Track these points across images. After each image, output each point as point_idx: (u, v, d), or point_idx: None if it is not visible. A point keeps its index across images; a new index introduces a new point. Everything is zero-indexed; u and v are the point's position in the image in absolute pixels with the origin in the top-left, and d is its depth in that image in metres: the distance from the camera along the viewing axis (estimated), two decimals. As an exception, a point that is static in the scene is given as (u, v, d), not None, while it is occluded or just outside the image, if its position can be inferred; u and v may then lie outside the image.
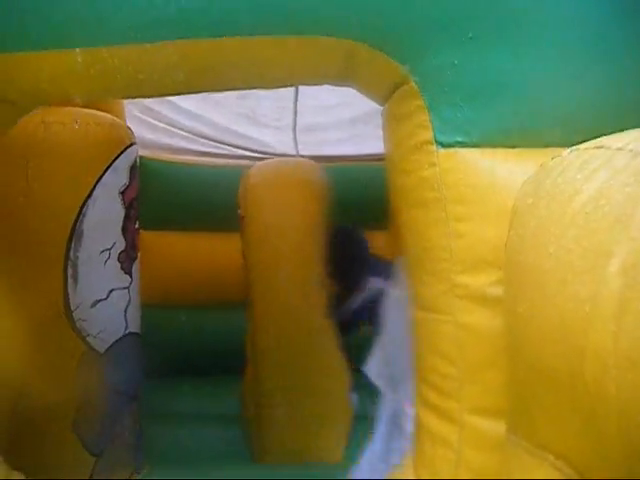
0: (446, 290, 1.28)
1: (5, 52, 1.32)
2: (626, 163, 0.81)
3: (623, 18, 1.23)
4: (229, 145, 3.98)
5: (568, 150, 0.95)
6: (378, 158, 3.71)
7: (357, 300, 3.19)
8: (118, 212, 2.49)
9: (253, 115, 3.89)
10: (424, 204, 1.32)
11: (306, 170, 3.07)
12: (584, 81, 1.23)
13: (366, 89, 1.56)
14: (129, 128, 2.63)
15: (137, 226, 2.62)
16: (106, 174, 2.41)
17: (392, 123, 1.44)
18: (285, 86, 1.82)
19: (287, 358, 2.85)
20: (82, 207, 2.36)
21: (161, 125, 3.89)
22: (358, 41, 1.31)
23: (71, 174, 2.36)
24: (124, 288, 2.54)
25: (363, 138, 3.93)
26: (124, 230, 2.51)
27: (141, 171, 2.67)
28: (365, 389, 3.03)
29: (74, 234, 2.36)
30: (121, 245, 2.50)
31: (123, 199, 2.49)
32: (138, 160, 2.62)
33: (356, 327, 3.20)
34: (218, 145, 3.98)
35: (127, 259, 2.54)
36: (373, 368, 1.84)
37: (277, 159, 3.36)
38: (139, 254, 2.65)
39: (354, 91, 1.66)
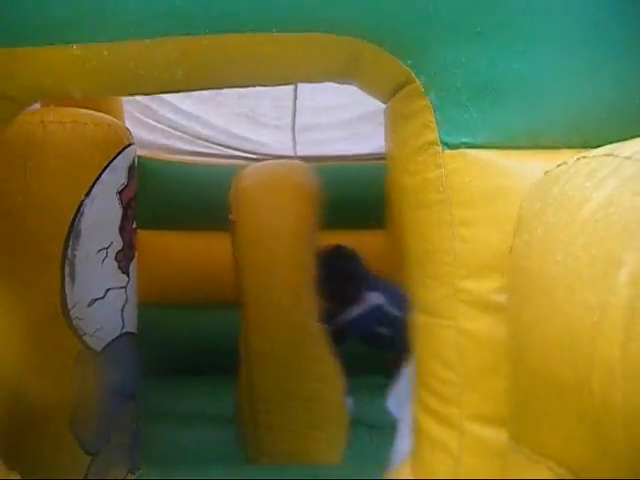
0: (449, 294, 1.27)
1: (5, 47, 1.31)
2: (635, 172, 0.81)
3: (633, 17, 1.22)
4: (227, 146, 3.98)
5: (575, 157, 0.95)
6: (377, 157, 3.75)
7: (353, 312, 3.20)
8: (116, 212, 2.49)
9: (253, 114, 3.89)
10: (428, 206, 1.30)
11: (298, 172, 3.04)
12: (592, 81, 1.21)
13: (369, 87, 1.55)
14: (127, 129, 2.62)
15: (134, 226, 2.62)
16: (104, 174, 2.41)
17: (396, 122, 1.42)
18: (286, 84, 1.81)
19: (280, 361, 2.84)
20: (80, 206, 2.36)
21: (159, 126, 3.89)
22: (360, 39, 1.29)
23: (69, 173, 2.36)
24: (121, 287, 2.53)
25: (362, 137, 3.94)
26: (121, 230, 2.51)
27: (139, 171, 2.67)
28: (361, 393, 3.08)
29: (72, 233, 2.36)
30: (118, 244, 2.50)
31: (121, 199, 2.49)
32: (136, 160, 2.62)
33: (350, 338, 3.21)
34: (216, 146, 3.98)
35: (124, 258, 2.54)
36: (393, 403, 1.82)
37: (268, 162, 3.35)
38: (136, 253, 2.65)
39: (353, 91, 1.65)
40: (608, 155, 0.88)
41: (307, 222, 2.90)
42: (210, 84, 1.75)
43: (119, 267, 2.51)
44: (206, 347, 3.69)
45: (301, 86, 3.38)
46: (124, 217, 2.51)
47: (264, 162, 3.31)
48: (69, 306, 2.36)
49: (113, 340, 2.50)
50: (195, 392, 3.51)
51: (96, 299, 2.43)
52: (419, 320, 1.39)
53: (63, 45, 1.31)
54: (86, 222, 2.37)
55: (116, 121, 2.58)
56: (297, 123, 3.89)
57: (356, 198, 3.64)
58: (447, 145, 1.26)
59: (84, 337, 2.40)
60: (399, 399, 1.67)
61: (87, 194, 2.37)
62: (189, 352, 3.70)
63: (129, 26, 1.27)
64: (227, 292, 3.47)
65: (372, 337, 3.21)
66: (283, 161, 3.48)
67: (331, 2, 1.24)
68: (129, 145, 2.54)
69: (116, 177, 2.47)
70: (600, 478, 0.80)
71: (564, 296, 0.84)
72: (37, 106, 2.40)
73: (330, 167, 3.60)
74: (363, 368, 3.11)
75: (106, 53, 1.32)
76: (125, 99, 3.39)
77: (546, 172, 1.01)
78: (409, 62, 1.29)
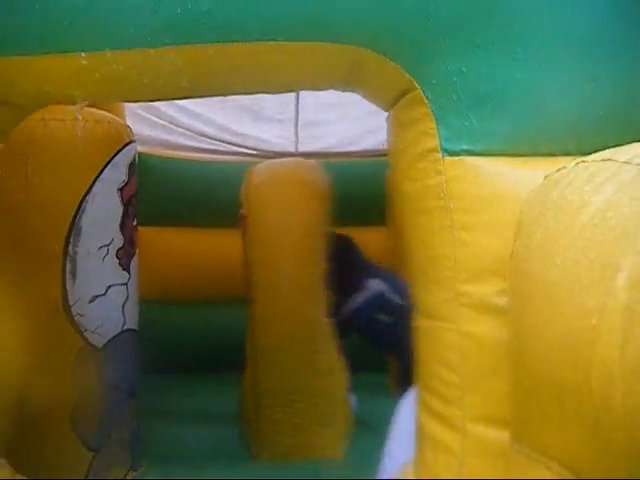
0: (450, 298, 1.28)
1: (10, 55, 1.31)
2: (633, 176, 0.82)
3: (632, 25, 1.23)
4: (228, 143, 3.98)
5: (574, 162, 0.96)
6: (378, 154, 3.76)
7: (357, 300, 3.20)
8: (116, 209, 2.50)
9: (257, 109, 3.90)
10: (429, 212, 1.31)
11: (308, 170, 3.07)
12: (591, 89, 1.22)
13: (371, 95, 1.56)
14: (128, 126, 2.63)
15: (135, 223, 2.63)
16: (105, 171, 2.42)
17: (398, 130, 1.44)
18: (289, 91, 1.82)
19: (286, 357, 2.86)
20: (81, 203, 2.37)
21: (161, 122, 3.89)
22: (364, 48, 1.30)
23: (70, 171, 2.37)
24: (122, 284, 2.55)
25: (363, 134, 3.95)
26: (122, 227, 2.52)
27: (140, 167, 2.68)
28: (364, 390, 3.09)
29: (73, 230, 2.37)
30: (119, 241, 2.51)
31: (122, 196, 2.50)
32: (137, 157, 2.62)
33: (356, 327, 3.22)
34: (217, 143, 3.99)
35: (125, 255, 2.55)
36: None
37: (280, 159, 3.36)
38: (137, 250, 2.66)
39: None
40: (607, 160, 0.88)
41: (317, 219, 2.92)
42: (214, 92, 1.76)
43: (120, 264, 2.52)
44: (207, 344, 3.70)
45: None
46: (125, 214, 2.52)
47: (276, 160, 3.33)
48: (70, 303, 2.37)
49: (114, 337, 2.52)
50: (197, 389, 3.52)
51: (97, 296, 2.45)
52: (421, 324, 1.40)
53: (69, 54, 1.31)
54: (87, 219, 2.38)
55: (117, 118, 2.59)
56: (299, 119, 3.90)
57: (358, 195, 3.65)
58: (447, 152, 1.27)
59: (85, 334, 2.41)
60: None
61: (88, 191, 2.38)
62: (190, 349, 3.71)
63: (134, 35, 1.28)
64: (228, 289, 3.49)
65: (373, 325, 3.21)
66: (294, 159, 3.49)
67: (335, 12, 1.25)
68: (130, 142, 2.55)
69: (117, 174, 2.48)
70: (600, 478, 0.82)
71: (563, 299, 0.85)
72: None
73: (331, 163, 3.61)
74: (364, 365, 3.12)
75: (111, 62, 1.32)
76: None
77: (546, 176, 1.02)
78: (411, 70, 1.30)
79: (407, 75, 1.30)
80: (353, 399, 3.01)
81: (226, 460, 2.87)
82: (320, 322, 2.91)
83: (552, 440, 0.91)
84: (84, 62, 1.30)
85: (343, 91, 1.61)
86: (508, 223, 1.10)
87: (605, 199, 0.83)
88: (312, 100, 3.83)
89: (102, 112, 2.47)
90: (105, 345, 2.49)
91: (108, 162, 2.43)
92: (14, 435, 2.10)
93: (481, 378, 1.24)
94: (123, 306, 2.56)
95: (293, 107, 3.90)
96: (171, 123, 3.91)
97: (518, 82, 1.24)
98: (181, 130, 3.94)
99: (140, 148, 2.77)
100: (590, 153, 0.95)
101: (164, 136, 3.92)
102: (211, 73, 1.44)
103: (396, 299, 3.04)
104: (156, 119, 3.86)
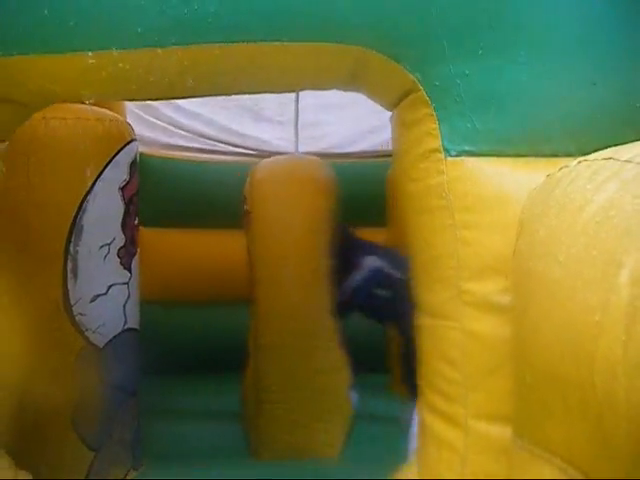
0: (453, 297, 1.29)
1: (16, 54, 1.32)
2: (635, 175, 0.83)
3: (631, 28, 1.24)
4: (228, 143, 3.99)
5: (576, 161, 0.97)
6: (378, 155, 3.77)
7: (355, 278, 3.20)
8: (118, 208, 2.49)
9: (257, 109, 3.90)
10: (431, 211, 1.33)
11: (313, 167, 3.07)
12: (592, 91, 1.24)
13: (375, 95, 1.57)
14: (129, 124, 2.63)
15: (136, 222, 2.63)
16: (106, 170, 2.42)
17: (401, 130, 1.45)
18: (293, 91, 1.83)
19: (288, 354, 2.86)
20: (82, 202, 2.37)
21: (160, 123, 3.89)
22: (368, 48, 1.32)
23: (71, 169, 2.36)
24: (123, 283, 2.54)
25: (364, 135, 3.96)
26: (124, 226, 2.52)
27: (140, 168, 2.67)
28: (365, 387, 3.10)
29: (74, 229, 2.36)
30: (121, 241, 2.51)
31: (123, 195, 2.50)
32: (138, 156, 2.63)
33: (356, 306, 3.21)
34: (217, 143, 3.99)
35: (126, 255, 2.55)
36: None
37: (284, 155, 3.36)
38: (138, 250, 2.66)
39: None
40: (609, 158, 0.89)
41: (321, 216, 2.92)
42: (219, 91, 1.77)
43: (121, 263, 2.52)
44: (208, 345, 3.69)
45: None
46: (126, 213, 2.52)
47: (280, 156, 3.32)
48: (71, 302, 2.37)
49: (115, 336, 2.51)
50: (197, 389, 3.51)
51: (98, 295, 2.44)
52: (424, 322, 1.42)
53: (76, 53, 1.32)
54: (88, 218, 2.38)
55: (118, 117, 2.59)
56: (299, 120, 3.90)
57: (357, 195, 3.64)
58: (449, 153, 1.29)
59: (86, 333, 2.41)
60: None
61: (89, 190, 2.38)
62: (191, 350, 3.70)
63: (141, 35, 1.29)
64: (229, 289, 3.48)
65: (372, 301, 3.21)
66: (299, 155, 3.49)
67: (339, 13, 1.27)
68: (131, 141, 2.54)
69: (118, 173, 2.47)
70: (603, 473, 0.82)
71: (566, 296, 0.86)
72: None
73: (331, 164, 3.61)
74: (365, 366, 3.12)
75: (118, 61, 1.33)
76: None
77: (548, 175, 1.03)
78: (414, 71, 1.31)
79: (410, 76, 1.32)
80: (354, 396, 3.01)
81: (227, 459, 2.87)
82: (323, 319, 2.91)
83: (555, 436, 0.92)
84: (91, 61, 1.31)
85: (347, 91, 1.62)
86: (509, 222, 1.12)
87: (607, 197, 0.84)
88: (312, 101, 3.83)
89: (103, 110, 2.47)
90: (106, 345, 2.48)
91: (109, 161, 2.42)
92: (15, 435, 2.10)
93: (484, 376, 1.26)
94: (124, 305, 2.55)
95: (293, 108, 3.90)
96: (170, 124, 3.91)
97: (520, 84, 1.26)
98: (181, 131, 3.94)
99: (140, 149, 2.77)
100: (590, 153, 0.96)
101: (164, 138, 3.92)
102: (216, 73, 1.45)
103: (395, 273, 3.04)
104: (155, 120, 3.86)
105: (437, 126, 1.30)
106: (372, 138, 3.91)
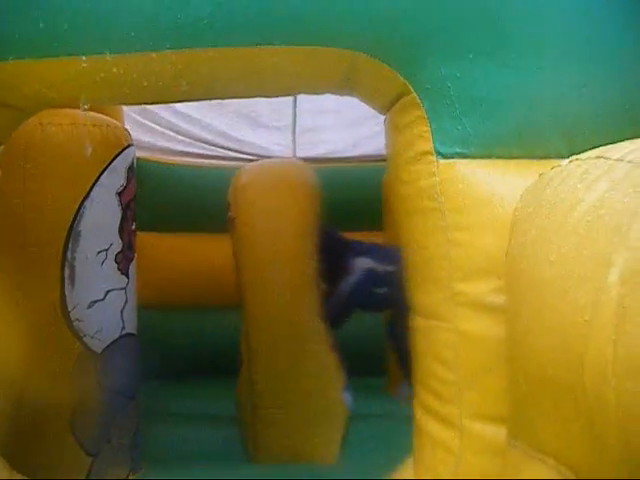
0: (446, 298, 1.30)
1: (12, 59, 1.33)
2: (625, 174, 0.83)
3: (621, 30, 1.25)
4: (226, 149, 3.99)
5: (568, 160, 0.97)
6: (375, 159, 3.77)
7: (349, 283, 3.20)
8: (115, 213, 2.49)
9: (254, 115, 3.90)
10: (423, 213, 1.34)
11: (296, 171, 3.06)
12: (583, 93, 1.25)
13: (368, 99, 1.58)
14: (126, 129, 2.63)
15: (134, 227, 2.63)
16: (103, 175, 2.41)
17: (393, 133, 1.46)
18: (287, 95, 1.83)
19: (280, 359, 2.86)
20: (79, 208, 2.36)
21: (158, 128, 3.90)
22: (360, 52, 1.32)
23: (68, 175, 2.36)
24: (121, 289, 2.54)
25: (360, 140, 3.96)
26: (121, 231, 2.51)
27: (138, 173, 2.67)
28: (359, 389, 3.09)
29: (71, 235, 2.36)
30: (118, 246, 2.50)
31: (120, 200, 2.49)
32: (135, 161, 2.62)
33: (353, 308, 3.22)
34: (215, 148, 3.99)
35: (124, 260, 2.54)
36: None
37: (266, 160, 3.36)
38: (136, 255, 2.66)
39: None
40: (599, 157, 0.89)
41: (306, 219, 2.91)
42: (214, 95, 1.78)
43: (119, 268, 2.51)
44: (205, 349, 3.69)
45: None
46: (123, 218, 2.51)
47: (262, 160, 3.32)
48: (69, 308, 2.36)
49: (113, 341, 2.51)
50: (195, 393, 3.52)
51: (96, 301, 2.44)
52: (418, 323, 1.42)
53: (70, 57, 1.33)
54: (85, 224, 2.37)
55: (115, 122, 2.58)
56: (297, 125, 3.91)
57: (354, 200, 3.65)
58: (441, 155, 1.30)
59: (84, 339, 2.41)
60: None
61: (86, 196, 2.37)
62: (188, 354, 3.70)
63: (135, 39, 1.30)
64: (226, 294, 3.48)
65: (371, 300, 3.22)
66: (281, 159, 3.48)
67: (333, 17, 1.28)
68: (128, 146, 2.54)
69: (115, 178, 2.47)
70: (594, 472, 0.82)
71: (557, 296, 0.86)
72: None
73: (328, 169, 3.61)
74: (361, 369, 3.12)
75: (112, 65, 1.34)
76: (124, 101, 3.39)
77: (540, 174, 1.03)
78: (406, 75, 1.32)
79: (402, 79, 1.33)
80: (348, 398, 3.00)
81: (225, 462, 2.87)
82: (312, 322, 2.90)
83: (548, 436, 0.92)
84: (84, 65, 1.31)
85: (341, 95, 1.63)
86: (501, 224, 1.12)
87: (598, 196, 0.84)
88: (309, 106, 3.83)
89: (100, 116, 2.46)
90: (104, 350, 2.48)
91: (106, 166, 2.42)
92: (13, 440, 2.09)
93: (477, 376, 1.26)
94: (122, 311, 2.54)
95: (290, 113, 3.91)
96: (168, 129, 3.91)
97: (511, 87, 1.27)
98: (179, 136, 3.95)
99: (138, 154, 2.76)
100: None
101: (161, 142, 3.92)
102: (211, 77, 1.46)
103: (386, 268, 3.04)
104: (153, 125, 3.86)
105: (429, 129, 1.31)
106: (370, 143, 3.91)
